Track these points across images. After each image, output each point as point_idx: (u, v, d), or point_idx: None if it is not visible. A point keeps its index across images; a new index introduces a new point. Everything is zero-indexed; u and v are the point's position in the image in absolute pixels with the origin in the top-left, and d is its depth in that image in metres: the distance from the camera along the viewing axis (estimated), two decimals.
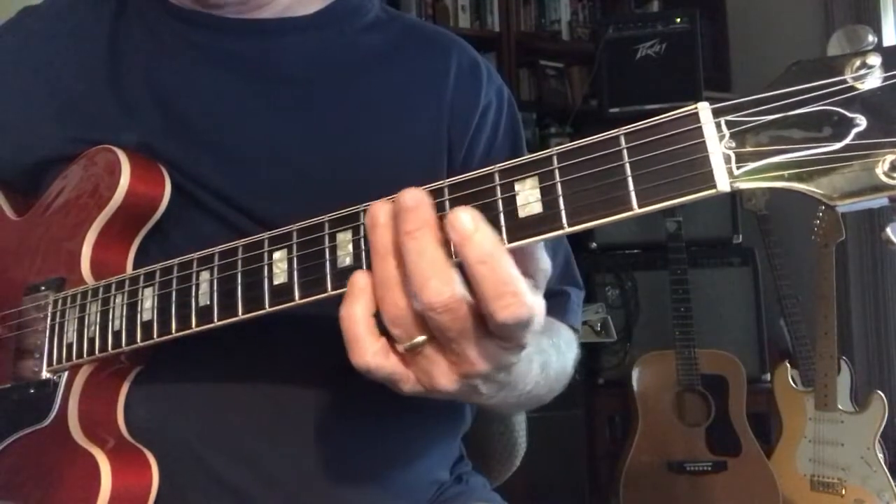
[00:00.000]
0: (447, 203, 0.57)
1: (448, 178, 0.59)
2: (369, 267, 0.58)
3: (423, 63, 0.95)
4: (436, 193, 0.58)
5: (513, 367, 0.61)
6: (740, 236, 2.91)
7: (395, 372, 0.58)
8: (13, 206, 0.97)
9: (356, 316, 0.56)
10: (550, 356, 0.78)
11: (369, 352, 0.57)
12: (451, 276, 0.53)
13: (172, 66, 0.90)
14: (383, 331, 0.58)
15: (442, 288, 0.52)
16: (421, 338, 0.56)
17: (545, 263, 0.59)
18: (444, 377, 0.57)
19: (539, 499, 2.49)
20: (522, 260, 0.56)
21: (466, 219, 0.52)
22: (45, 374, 0.81)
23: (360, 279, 0.57)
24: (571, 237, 0.97)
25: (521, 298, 0.52)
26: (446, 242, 0.53)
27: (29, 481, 0.81)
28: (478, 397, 0.63)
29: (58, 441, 0.79)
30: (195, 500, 0.81)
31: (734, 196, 2.82)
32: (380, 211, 0.56)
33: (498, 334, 0.55)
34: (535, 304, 0.53)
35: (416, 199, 0.54)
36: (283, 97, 0.89)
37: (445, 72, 0.94)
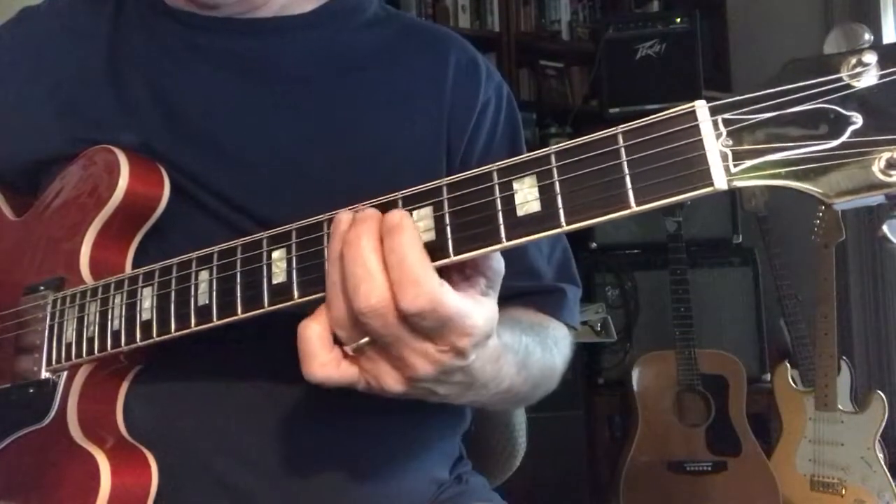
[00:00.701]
0: (445, 202, 0.58)
1: (447, 175, 0.59)
2: None
3: (421, 61, 0.95)
4: (434, 192, 0.59)
5: (467, 369, 0.62)
6: (740, 236, 2.91)
7: (344, 380, 0.61)
8: (12, 206, 0.98)
9: (310, 330, 0.60)
10: (532, 354, 0.79)
11: (318, 363, 0.60)
12: (380, 283, 0.56)
13: (171, 66, 0.90)
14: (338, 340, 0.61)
15: (370, 293, 0.55)
16: (364, 339, 0.58)
17: (498, 263, 0.61)
18: (389, 378, 0.60)
19: (539, 499, 2.49)
20: (474, 260, 0.59)
21: (396, 214, 0.57)
22: (44, 374, 0.81)
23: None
24: (571, 236, 0.97)
25: (422, 289, 0.55)
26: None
27: (28, 481, 0.81)
28: (440, 398, 0.65)
29: (57, 440, 0.79)
30: (194, 499, 0.81)
31: (734, 196, 2.83)
32: (340, 220, 0.59)
33: (423, 333, 0.57)
34: (447, 299, 0.55)
35: (367, 213, 0.58)
36: (281, 96, 0.89)
37: (444, 69, 0.94)
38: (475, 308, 0.57)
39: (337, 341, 0.61)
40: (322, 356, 0.60)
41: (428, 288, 0.55)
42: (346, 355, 0.61)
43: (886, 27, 3.08)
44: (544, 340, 0.85)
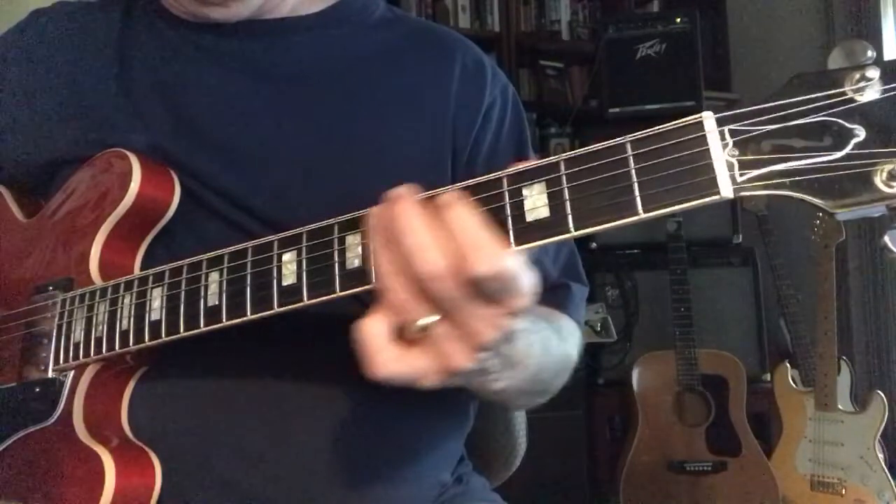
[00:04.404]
0: None
1: (453, 175, 0.60)
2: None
3: (427, 63, 0.95)
4: None
5: (514, 338, 0.62)
6: (740, 236, 2.91)
7: (412, 371, 0.59)
8: (23, 208, 0.98)
9: (372, 329, 0.59)
10: (551, 340, 0.79)
11: (385, 360, 0.58)
12: (442, 246, 0.55)
13: (180, 67, 0.91)
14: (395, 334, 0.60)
15: (435, 256, 0.55)
16: (430, 318, 0.57)
17: None
18: (458, 354, 0.58)
19: (539, 499, 2.50)
20: None
21: (446, 195, 0.58)
22: (51, 374, 0.82)
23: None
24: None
25: (491, 251, 0.54)
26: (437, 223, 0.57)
27: (33, 479, 0.81)
28: (486, 377, 0.65)
29: (62, 440, 0.79)
30: (199, 499, 0.81)
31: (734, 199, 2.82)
32: (373, 213, 0.60)
33: (488, 297, 0.56)
34: (511, 260, 0.55)
35: (400, 191, 0.58)
36: (289, 96, 0.89)
37: (450, 71, 0.95)
38: (523, 268, 0.57)
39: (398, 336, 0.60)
40: (389, 351, 0.59)
41: (496, 249, 0.55)
42: (408, 345, 0.59)
43: (886, 27, 3.08)
44: (559, 330, 0.85)
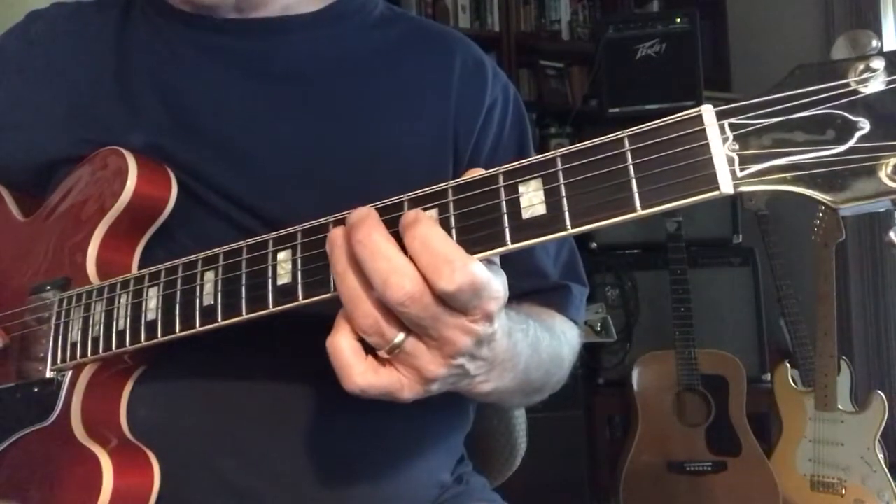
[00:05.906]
0: (451, 204, 0.58)
1: (454, 176, 0.59)
2: None
3: (427, 61, 0.95)
4: (440, 194, 0.59)
5: (493, 339, 0.62)
6: (740, 236, 2.91)
7: (388, 384, 0.60)
8: (21, 207, 0.98)
9: (340, 344, 0.59)
10: (541, 339, 0.78)
11: (356, 373, 0.59)
12: (408, 269, 0.55)
13: (178, 66, 0.90)
14: (368, 349, 0.60)
15: (402, 281, 0.55)
16: (398, 338, 0.58)
17: None
18: (431, 364, 0.59)
19: (539, 499, 2.49)
20: None
21: (411, 212, 0.57)
22: (48, 374, 0.81)
23: (343, 311, 0.60)
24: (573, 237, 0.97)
25: (457, 265, 0.54)
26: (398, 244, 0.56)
27: (31, 480, 0.81)
28: (470, 381, 0.64)
29: (60, 440, 0.79)
30: (198, 499, 0.81)
31: (734, 196, 2.82)
32: (335, 235, 0.59)
33: (458, 307, 0.56)
34: (477, 269, 0.55)
35: (362, 212, 0.58)
36: (288, 95, 0.89)
37: (450, 70, 0.94)
38: (492, 274, 0.57)
39: (367, 350, 0.60)
40: (359, 365, 0.59)
41: (461, 263, 0.54)
42: (380, 361, 0.60)
43: (886, 26, 3.08)
44: (551, 329, 0.85)
